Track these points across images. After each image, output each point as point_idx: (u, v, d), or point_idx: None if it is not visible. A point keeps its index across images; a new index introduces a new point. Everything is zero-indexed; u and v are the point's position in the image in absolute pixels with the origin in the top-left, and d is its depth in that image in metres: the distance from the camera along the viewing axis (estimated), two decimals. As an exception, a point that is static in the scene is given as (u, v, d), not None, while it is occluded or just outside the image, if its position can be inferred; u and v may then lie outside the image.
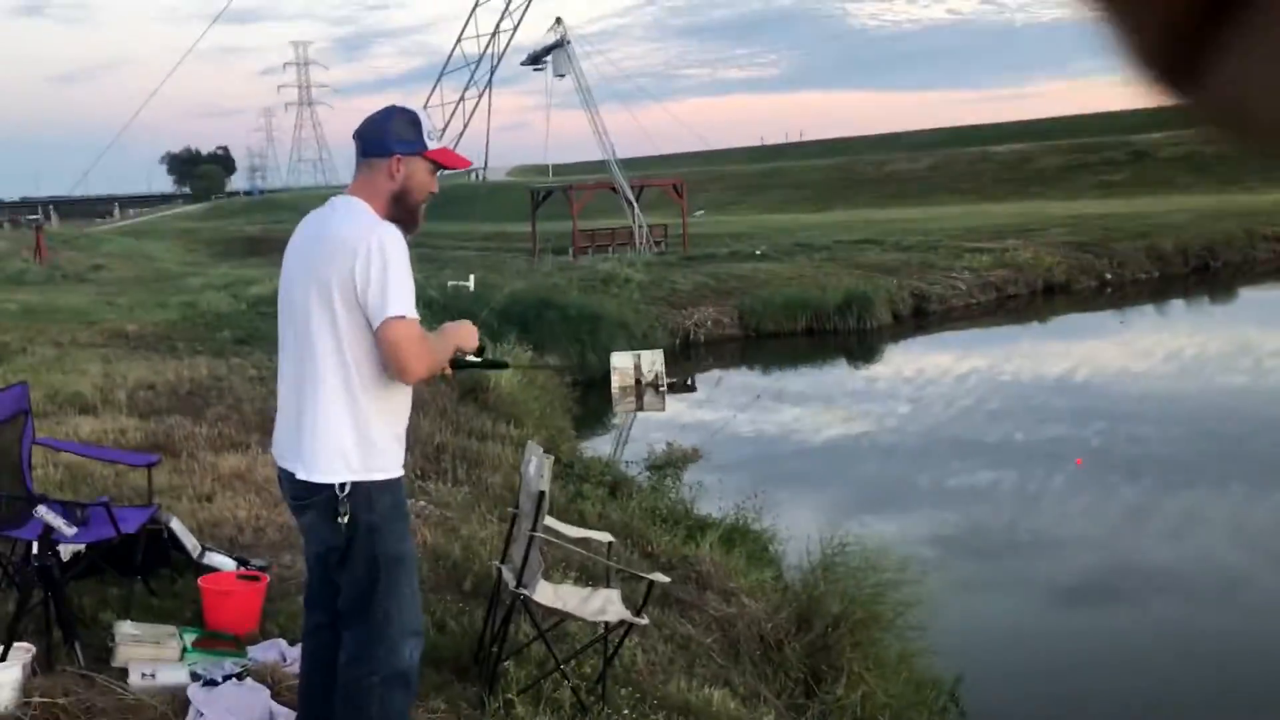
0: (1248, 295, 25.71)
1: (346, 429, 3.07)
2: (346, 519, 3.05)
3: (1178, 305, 24.68)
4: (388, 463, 3.13)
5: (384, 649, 3.13)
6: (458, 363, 3.41)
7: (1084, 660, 7.13)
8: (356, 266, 3.00)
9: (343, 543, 3.11)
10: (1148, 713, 6.43)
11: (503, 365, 3.58)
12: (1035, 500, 10.59)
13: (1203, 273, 28.45)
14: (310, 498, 3.12)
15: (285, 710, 3.70)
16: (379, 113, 3.25)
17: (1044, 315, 23.92)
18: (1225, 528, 9.44)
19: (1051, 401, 15.12)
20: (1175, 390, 15.63)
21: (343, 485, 3.05)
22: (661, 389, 16.76)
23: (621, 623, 4.40)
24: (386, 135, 3.16)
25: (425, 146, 3.19)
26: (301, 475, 3.11)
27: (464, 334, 3.36)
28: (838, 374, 18.95)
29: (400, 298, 3.01)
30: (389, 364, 3.06)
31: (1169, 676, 6.82)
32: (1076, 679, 6.88)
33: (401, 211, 3.17)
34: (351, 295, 3.02)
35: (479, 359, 3.50)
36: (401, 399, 3.19)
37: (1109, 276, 27.16)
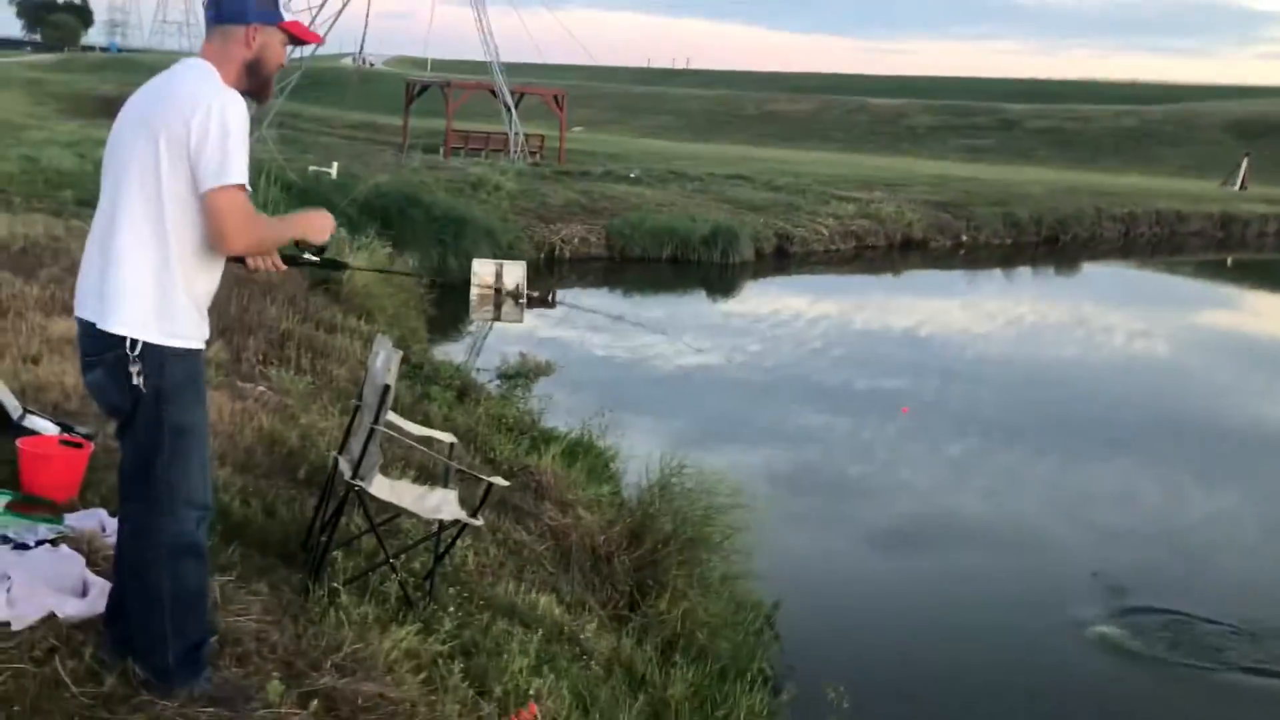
0: (1090, 270, 26.96)
1: (149, 284, 2.99)
2: (137, 380, 2.98)
3: (1025, 273, 25.73)
4: (185, 330, 3.05)
5: (168, 520, 3.07)
6: (294, 259, 3.32)
7: (892, 596, 7.53)
8: (194, 122, 2.91)
9: (128, 406, 3.03)
10: (946, 648, 6.83)
11: (341, 266, 3.46)
12: (866, 446, 11.01)
13: (1052, 244, 29.69)
14: (101, 353, 3.03)
15: (100, 580, 3.60)
16: None
17: (899, 269, 24.64)
18: (1035, 489, 10.02)
19: (894, 353, 15.66)
20: (1011, 355, 16.36)
21: (134, 342, 2.97)
22: (521, 301, 16.62)
23: (455, 522, 4.42)
24: (244, 3, 3.09)
25: (281, 17, 3.15)
26: (93, 319, 3.02)
27: (315, 225, 3.26)
28: (696, 305, 19.19)
29: (237, 166, 2.94)
30: (210, 230, 2.98)
31: (969, 616, 7.25)
32: (884, 613, 7.25)
33: (253, 81, 3.13)
34: (181, 150, 2.93)
35: (318, 258, 3.38)
36: (210, 269, 3.11)
37: (964, 238, 28.09)
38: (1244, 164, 43.86)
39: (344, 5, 29.59)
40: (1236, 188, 42.36)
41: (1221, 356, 17.56)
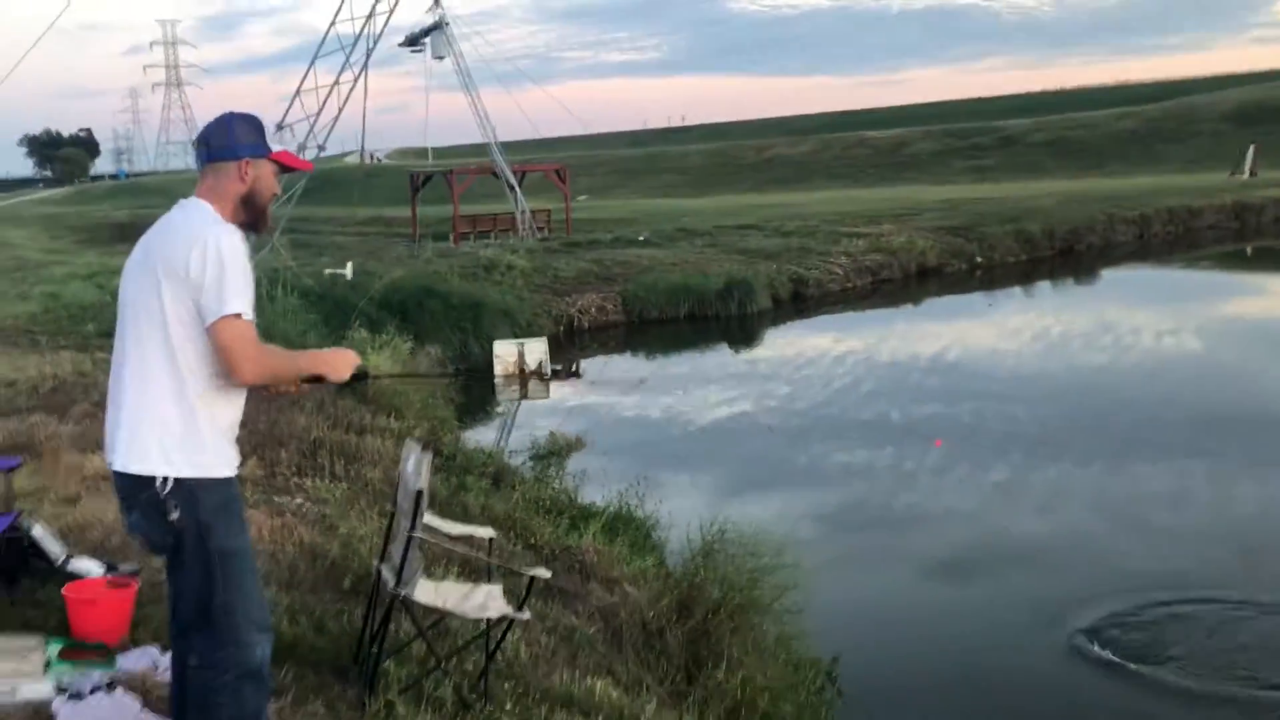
0: (1109, 276, 26.82)
1: (171, 421, 3.05)
2: (175, 516, 3.02)
3: (1044, 287, 25.61)
4: (213, 460, 3.10)
5: (233, 648, 3.10)
6: (315, 377, 3.34)
7: (955, 634, 7.39)
8: (191, 258, 3.00)
9: (171, 542, 3.07)
10: (1017, 682, 6.70)
11: (363, 378, 3.50)
12: (909, 478, 10.90)
13: (1067, 255, 29.58)
14: (135, 495, 3.08)
15: (157, 720, 3.62)
16: (221, 118, 3.28)
17: (917, 298, 24.59)
18: (1087, 503, 9.85)
19: (924, 381, 15.57)
20: (1042, 369, 16.23)
21: (164, 480, 3.02)
22: (545, 376, 16.73)
23: (503, 618, 4.40)
24: (233, 139, 3.21)
25: (270, 149, 3.26)
26: (119, 465, 3.08)
27: (334, 363, 3.30)
28: (719, 358, 19.19)
29: (236, 296, 3.01)
30: (221, 362, 3.04)
31: (1035, 645, 7.09)
32: (948, 653, 7.12)
33: (250, 213, 3.24)
34: (180, 285, 3.01)
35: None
36: (231, 398, 3.17)
37: (979, 259, 28.04)
38: (1250, 152, 43.74)
39: (340, 110, 30.13)
40: (1245, 176, 42.22)
41: (1258, 346, 17.35)
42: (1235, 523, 9.23)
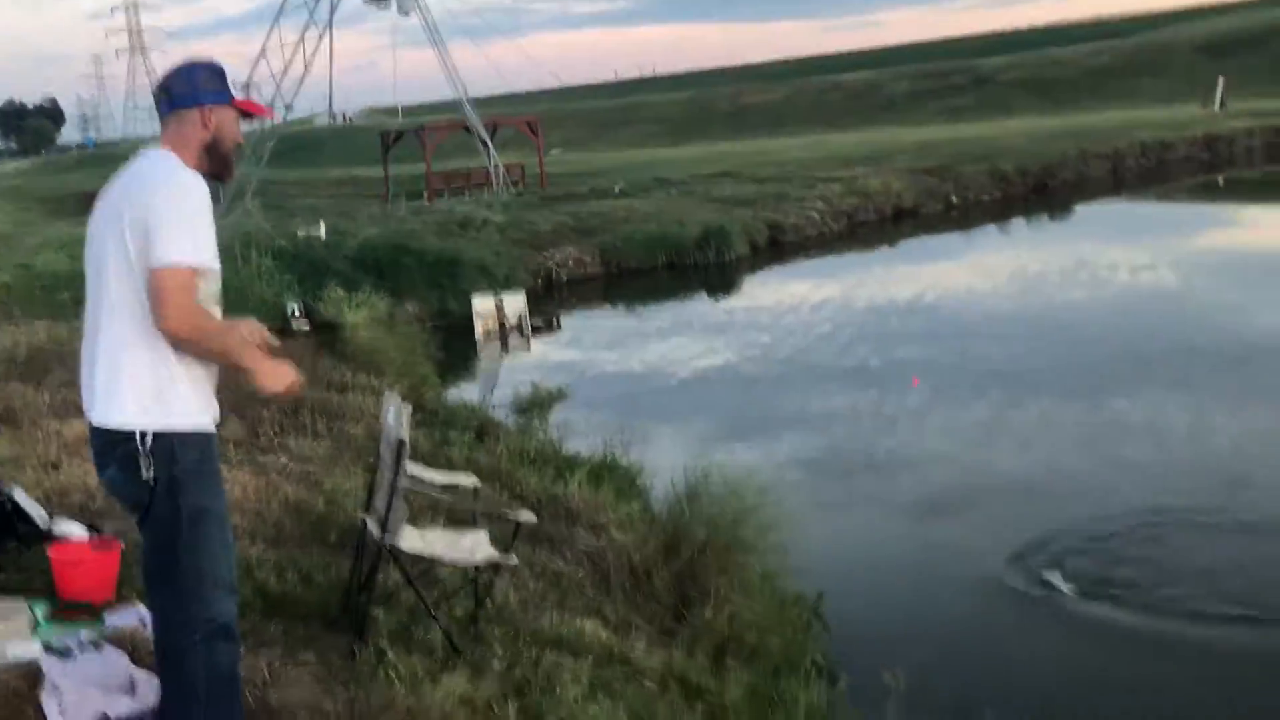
0: (1083, 211, 26.90)
1: (145, 373, 2.99)
2: (148, 472, 2.96)
3: (1019, 224, 25.68)
4: (190, 413, 3.04)
5: (198, 606, 3.05)
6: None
7: (938, 570, 7.46)
8: (151, 204, 2.95)
9: (145, 499, 3.02)
10: (999, 615, 6.79)
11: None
12: (889, 420, 10.97)
13: (1041, 191, 29.63)
14: (111, 449, 3.02)
15: (146, 675, 3.63)
16: (182, 65, 3.22)
17: (894, 240, 24.61)
18: (1069, 436, 9.94)
19: (903, 324, 15.63)
20: (1019, 307, 16.31)
21: (143, 435, 2.97)
22: (525, 331, 16.70)
23: (491, 563, 4.43)
24: (195, 86, 3.16)
25: (233, 95, 3.22)
26: (97, 420, 3.03)
27: (269, 372, 3.10)
28: (699, 308, 19.21)
29: (188, 244, 2.94)
30: (150, 307, 2.95)
31: (1016, 578, 7.18)
32: (931, 589, 7.20)
33: (214, 161, 3.18)
34: (143, 234, 2.94)
35: None
36: None
37: (954, 199, 28.06)
38: (1220, 84, 43.76)
39: (306, 68, 29.77)
40: (1217, 109, 42.26)
41: (1232, 274, 17.44)
42: (1216, 453, 9.30)
